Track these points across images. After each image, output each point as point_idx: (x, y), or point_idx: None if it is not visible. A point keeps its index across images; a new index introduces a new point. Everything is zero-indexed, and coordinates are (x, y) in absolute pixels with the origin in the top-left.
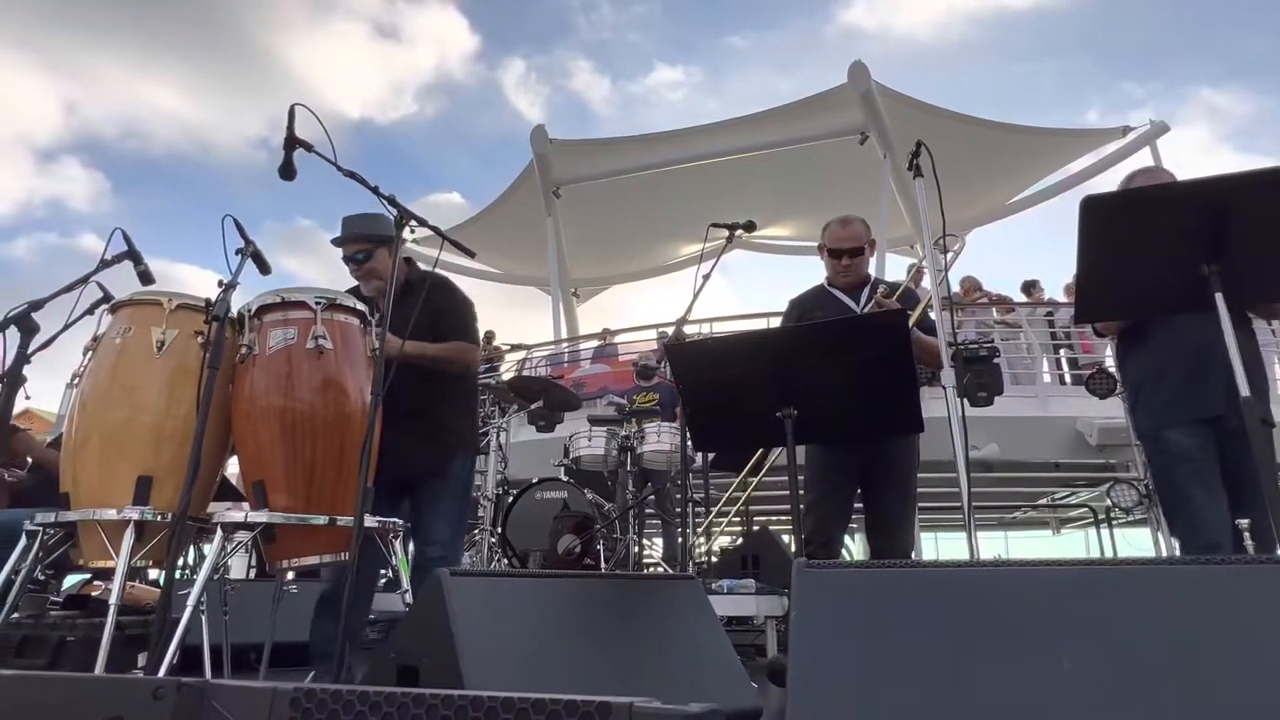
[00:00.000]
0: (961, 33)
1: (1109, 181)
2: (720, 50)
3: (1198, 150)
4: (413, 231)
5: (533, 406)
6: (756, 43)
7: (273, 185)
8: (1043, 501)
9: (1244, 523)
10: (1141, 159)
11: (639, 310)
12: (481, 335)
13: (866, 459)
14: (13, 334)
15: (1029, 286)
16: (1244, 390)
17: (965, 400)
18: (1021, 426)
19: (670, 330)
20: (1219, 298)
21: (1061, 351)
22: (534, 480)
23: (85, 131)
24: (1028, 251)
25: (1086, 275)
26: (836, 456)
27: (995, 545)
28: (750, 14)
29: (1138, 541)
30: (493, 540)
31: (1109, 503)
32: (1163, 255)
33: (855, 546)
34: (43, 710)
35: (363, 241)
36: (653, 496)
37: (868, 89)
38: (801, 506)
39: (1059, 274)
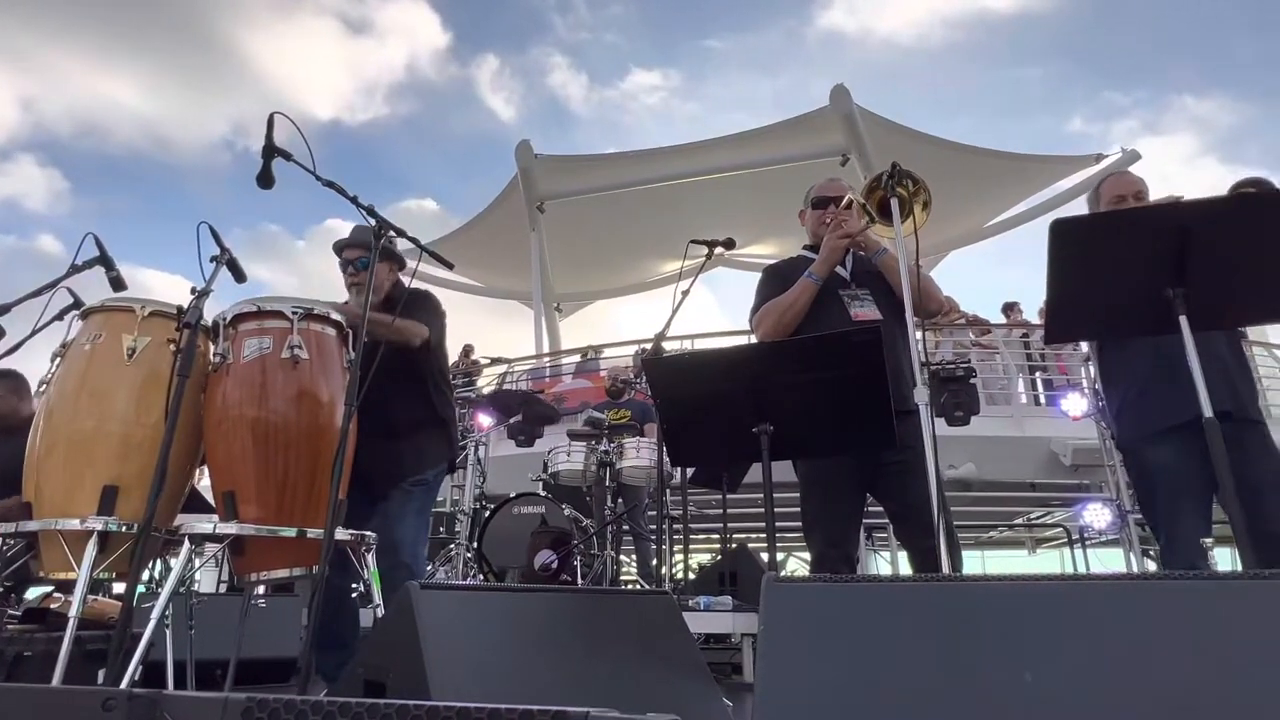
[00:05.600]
0: (943, 37)
1: (1084, 207)
2: (698, 53)
3: (1181, 162)
4: (391, 243)
5: (511, 421)
6: (735, 45)
7: (238, 188)
8: (1018, 521)
9: (1208, 541)
10: None
11: (621, 325)
12: (460, 349)
13: (863, 466)
14: None
15: (1008, 308)
16: (1207, 411)
17: (942, 420)
18: (998, 446)
19: (649, 346)
20: (1183, 320)
21: (1037, 372)
22: (512, 495)
23: (42, 128)
24: (1005, 274)
25: (1056, 297)
26: (832, 463)
27: (972, 565)
28: (728, 16)
29: (1111, 561)
30: (469, 555)
31: (1082, 523)
32: (1129, 278)
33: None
34: None
35: (365, 248)
36: (628, 512)
37: (850, 111)
38: (803, 523)
39: (1035, 296)
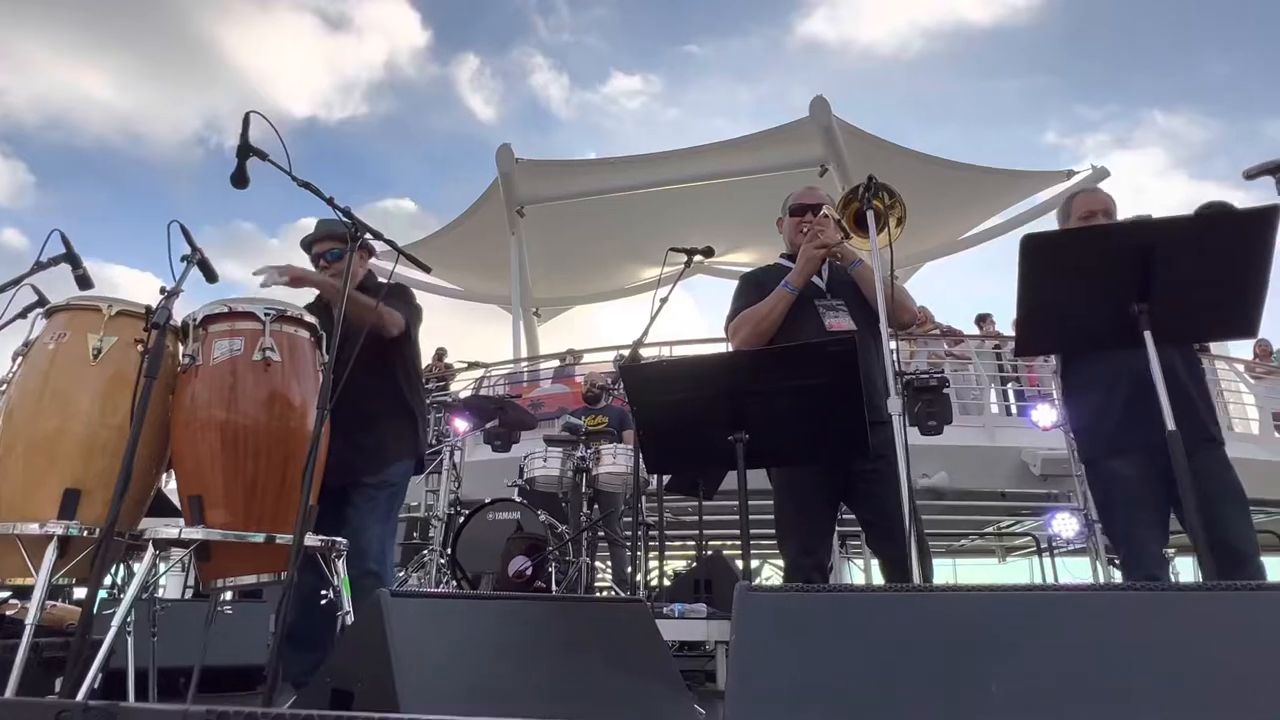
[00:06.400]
0: (922, 46)
1: (1056, 221)
2: (679, 58)
3: (1153, 176)
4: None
5: (487, 425)
6: (716, 51)
7: (210, 184)
8: (989, 530)
9: (1170, 551)
10: None
11: (600, 331)
12: (433, 352)
13: (836, 475)
14: None
15: (981, 320)
16: (1170, 424)
17: (916, 429)
18: (970, 455)
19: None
20: (1147, 336)
21: (1009, 383)
22: (487, 500)
23: (7, 120)
24: (979, 285)
25: (1025, 311)
26: (806, 471)
27: (944, 572)
28: (709, 22)
29: (1078, 570)
30: (442, 561)
31: (1051, 532)
32: (1096, 293)
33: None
34: None
35: (335, 240)
36: (603, 518)
37: (829, 123)
38: (777, 531)
39: (1008, 307)
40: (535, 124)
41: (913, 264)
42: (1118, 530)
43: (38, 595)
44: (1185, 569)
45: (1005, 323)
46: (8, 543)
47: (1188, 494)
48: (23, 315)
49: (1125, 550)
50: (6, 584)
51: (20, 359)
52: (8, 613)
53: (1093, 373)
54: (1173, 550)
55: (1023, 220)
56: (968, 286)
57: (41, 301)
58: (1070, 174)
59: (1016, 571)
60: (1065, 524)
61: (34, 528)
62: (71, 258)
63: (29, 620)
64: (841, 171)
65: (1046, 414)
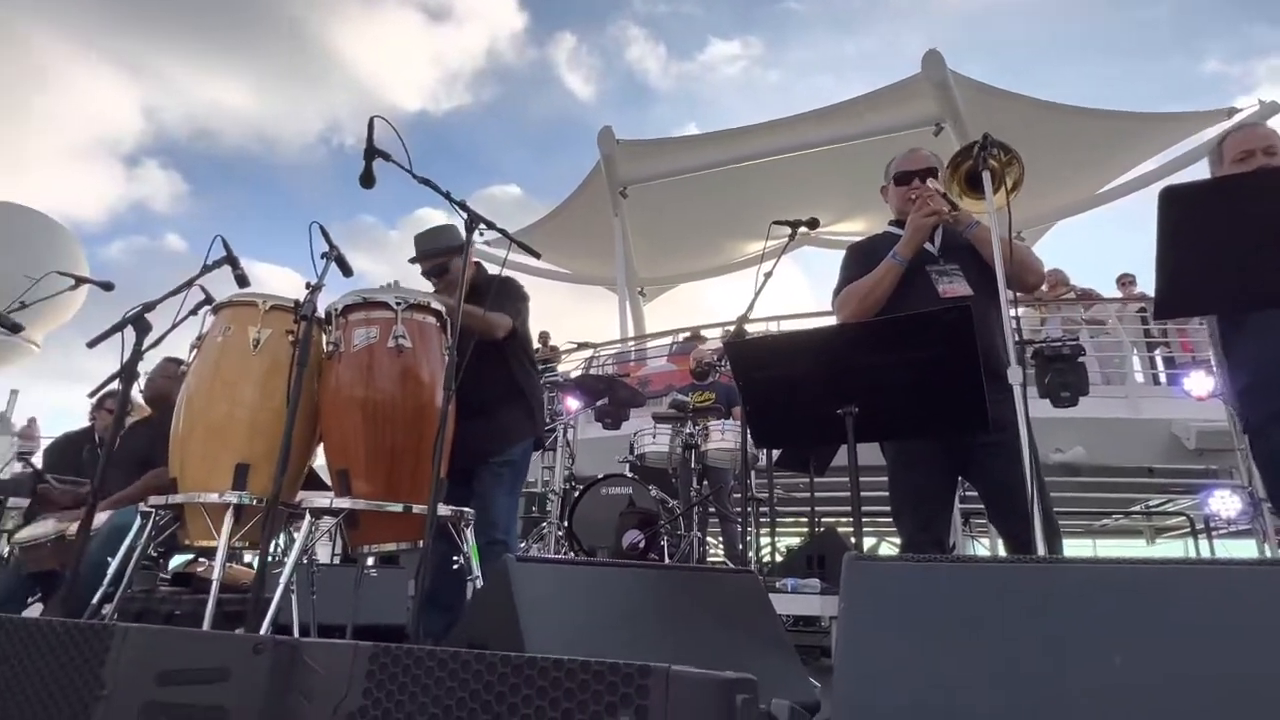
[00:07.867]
0: None
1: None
2: (778, 16)
3: None
4: (481, 234)
5: (598, 404)
6: (817, 5)
7: (334, 182)
8: (1135, 509)
9: None
10: None
11: (706, 308)
12: (536, 335)
13: (954, 447)
14: (129, 332)
15: (1123, 280)
16: None
17: (1047, 400)
18: (1111, 428)
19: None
20: None
21: (1156, 350)
22: (599, 476)
23: (163, 135)
24: (1121, 243)
25: (1166, 271)
26: (921, 444)
27: (1082, 554)
28: None
29: (1241, 554)
30: (559, 534)
31: (1207, 511)
32: (1253, 247)
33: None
34: (163, 657)
35: (433, 258)
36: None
37: (943, 78)
38: (892, 506)
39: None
40: (634, 99)
41: (1044, 223)
42: None
43: (221, 553)
44: None
45: (1149, 283)
46: (194, 510)
47: None
48: (194, 312)
49: None
50: (194, 545)
51: (195, 350)
52: (197, 570)
53: (1255, 331)
54: None
55: (1172, 168)
56: (1109, 245)
57: (209, 300)
58: (1232, 112)
59: (1168, 554)
60: (1225, 503)
61: (214, 497)
62: (231, 259)
63: (215, 576)
64: (959, 130)
65: (1201, 382)
